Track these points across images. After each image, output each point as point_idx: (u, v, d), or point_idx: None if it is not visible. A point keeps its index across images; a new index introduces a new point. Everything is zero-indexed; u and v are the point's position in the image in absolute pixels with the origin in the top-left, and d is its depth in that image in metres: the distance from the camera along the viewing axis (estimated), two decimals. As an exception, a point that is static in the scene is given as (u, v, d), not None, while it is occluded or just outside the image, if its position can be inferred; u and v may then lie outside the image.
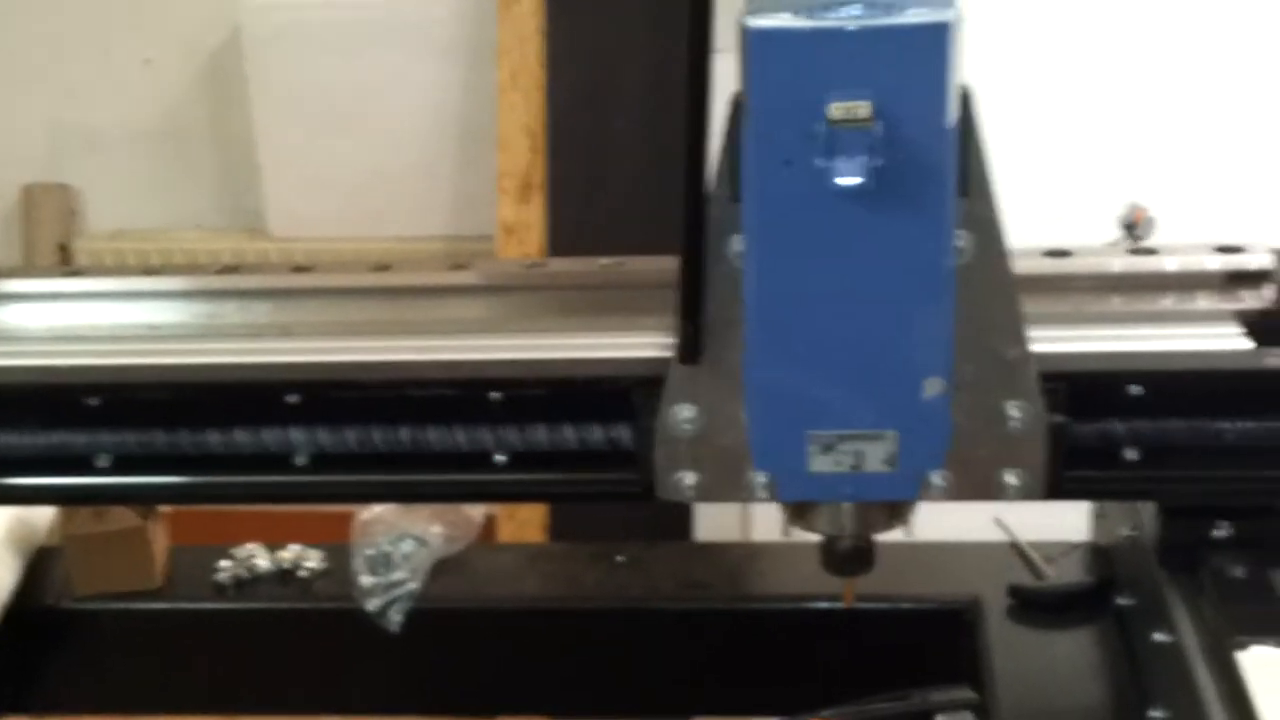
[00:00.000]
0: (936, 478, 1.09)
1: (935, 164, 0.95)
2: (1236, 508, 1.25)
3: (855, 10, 0.93)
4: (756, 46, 0.93)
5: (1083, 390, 1.12)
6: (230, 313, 1.33)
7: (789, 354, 1.02)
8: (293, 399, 1.20)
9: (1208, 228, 1.31)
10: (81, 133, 3.05)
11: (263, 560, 1.66)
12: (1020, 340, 1.07)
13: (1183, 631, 1.19)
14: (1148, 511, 1.33)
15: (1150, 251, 1.29)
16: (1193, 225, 1.31)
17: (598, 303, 1.27)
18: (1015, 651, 1.44)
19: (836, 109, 0.92)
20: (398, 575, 1.59)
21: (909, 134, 0.93)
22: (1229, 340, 1.21)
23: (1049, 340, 1.20)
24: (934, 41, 0.92)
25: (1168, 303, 1.26)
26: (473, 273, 1.33)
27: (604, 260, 1.30)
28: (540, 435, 1.18)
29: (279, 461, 1.21)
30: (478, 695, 1.62)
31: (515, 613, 1.61)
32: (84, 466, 1.23)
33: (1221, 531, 1.25)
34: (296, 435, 1.21)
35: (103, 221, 3.10)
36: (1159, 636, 1.23)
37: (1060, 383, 1.11)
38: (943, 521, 1.67)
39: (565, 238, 2.68)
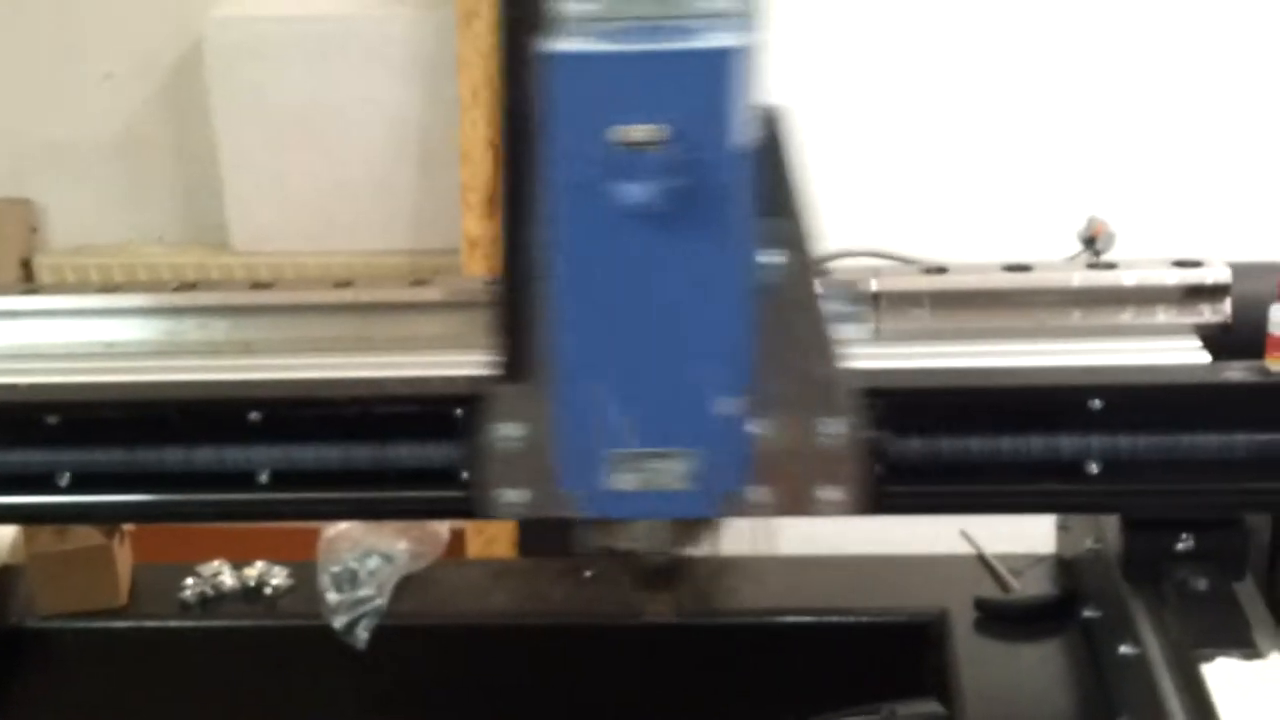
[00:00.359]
0: (756, 494, 1.10)
1: (727, 186, 0.96)
2: (1199, 521, 1.26)
3: (653, 33, 0.95)
4: (552, 69, 0.95)
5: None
6: (190, 330, 1.32)
7: (591, 372, 1.03)
8: (254, 416, 1.19)
9: (1167, 241, 1.32)
10: (42, 148, 3.03)
11: (228, 578, 1.65)
12: (832, 358, 1.08)
13: (1148, 644, 1.20)
14: (1110, 525, 1.33)
15: (1110, 266, 1.30)
16: (1152, 239, 1.32)
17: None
18: (982, 664, 1.44)
19: (626, 131, 0.93)
20: (364, 592, 1.58)
21: (700, 156, 0.94)
22: (1184, 354, 1.22)
23: (1007, 355, 1.22)
24: (722, 66, 0.94)
25: (1127, 317, 1.27)
26: (435, 289, 1.33)
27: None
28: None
29: (241, 479, 1.20)
30: (445, 712, 1.62)
31: (482, 629, 1.61)
32: (44, 485, 1.21)
33: (1184, 544, 1.26)
34: (258, 453, 1.20)
35: (65, 237, 3.08)
36: (1125, 649, 1.24)
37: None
38: (908, 534, 1.68)
39: (529, 251, 2.68)
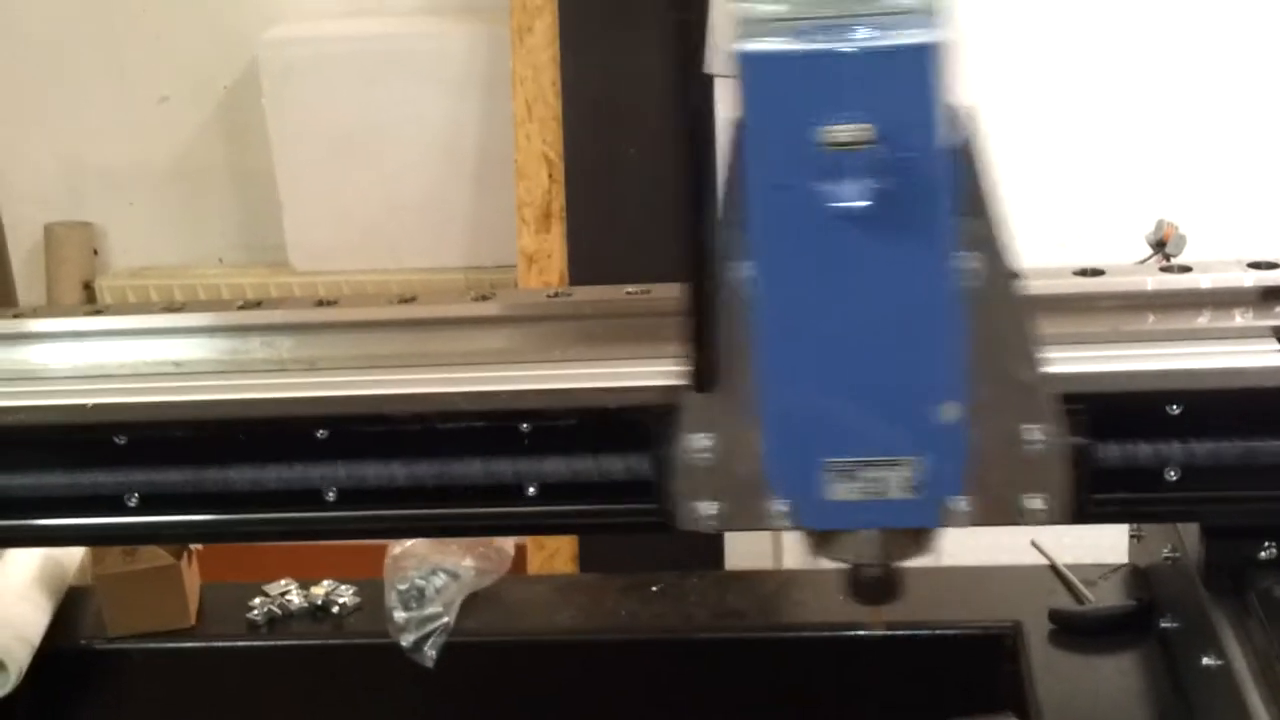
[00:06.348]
0: (959, 503, 1.07)
1: (933, 184, 0.94)
2: (1282, 528, 1.23)
3: (849, 31, 0.93)
4: (751, 70, 0.93)
5: (1106, 411, 1.10)
6: (255, 348, 1.32)
7: (802, 381, 1.01)
8: (321, 434, 1.19)
9: (1235, 243, 1.30)
10: (101, 171, 3.06)
11: (295, 597, 1.65)
12: (1035, 361, 1.05)
13: (1232, 655, 1.17)
14: (1190, 533, 1.31)
15: (1184, 269, 1.27)
16: (1220, 241, 1.29)
17: (625, 331, 1.26)
18: (1058, 676, 1.42)
19: (833, 131, 0.92)
20: (431, 609, 1.58)
21: (906, 155, 0.92)
22: (1267, 357, 1.19)
23: (1082, 360, 1.19)
24: (927, 61, 0.92)
25: (1203, 320, 1.24)
26: (496, 303, 1.32)
27: (629, 288, 1.30)
28: (563, 467, 1.16)
29: (309, 497, 1.20)
30: (514, 728, 1.61)
31: (550, 645, 1.60)
32: (113, 506, 1.21)
33: (1268, 552, 1.23)
34: (326, 470, 1.19)
35: (125, 259, 3.10)
36: (1207, 660, 1.21)
37: (1082, 404, 1.08)
38: (978, 544, 1.66)
39: (584, 265, 2.68)
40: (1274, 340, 1.21)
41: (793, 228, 0.95)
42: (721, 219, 0.99)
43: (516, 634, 1.60)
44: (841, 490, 1.03)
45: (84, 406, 1.24)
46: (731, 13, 0.94)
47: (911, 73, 0.92)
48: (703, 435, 1.08)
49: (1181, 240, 1.33)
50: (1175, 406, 1.11)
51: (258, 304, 1.35)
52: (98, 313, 1.39)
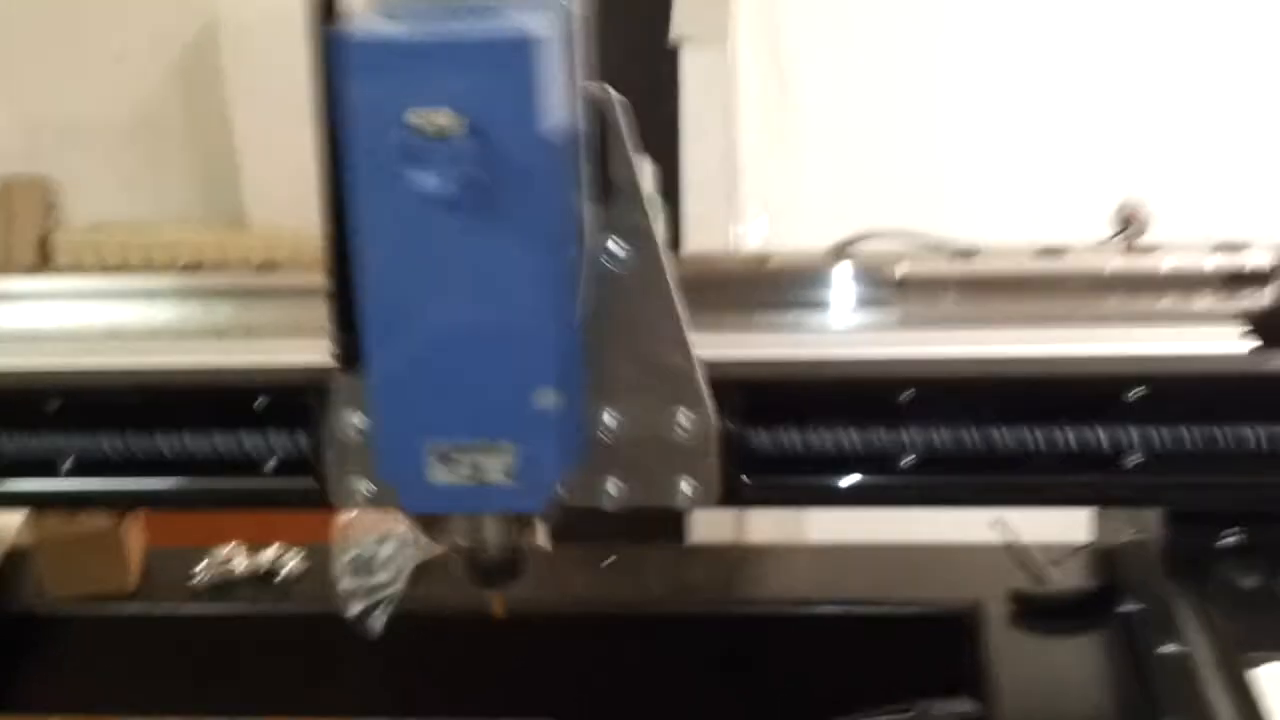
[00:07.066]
0: (610, 486, 1.10)
1: (531, 175, 0.93)
2: (1247, 514, 1.21)
3: (457, 18, 0.93)
4: (344, 54, 0.93)
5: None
6: (195, 313, 1.30)
7: (403, 363, 1.00)
8: (259, 402, 1.16)
9: (1204, 223, 1.28)
10: (59, 127, 3.03)
11: (241, 562, 1.63)
12: (684, 347, 1.06)
13: (1193, 643, 1.15)
14: (1153, 515, 1.29)
15: (1148, 250, 1.25)
16: (1188, 221, 1.27)
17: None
18: (1017, 659, 1.40)
19: (417, 117, 0.91)
20: (380, 578, 1.55)
21: (501, 145, 0.92)
22: (1226, 341, 1.17)
23: (1037, 341, 1.17)
24: (522, 54, 0.91)
25: (1166, 303, 1.22)
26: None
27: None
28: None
29: (246, 465, 1.17)
30: (461, 700, 1.58)
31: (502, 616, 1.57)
32: (47, 470, 1.19)
33: (1230, 539, 1.21)
34: (265, 438, 1.17)
35: (82, 215, 3.07)
36: (1168, 647, 1.19)
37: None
38: (940, 522, 1.64)
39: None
40: (1235, 324, 1.19)
41: (390, 212, 0.95)
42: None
43: (467, 604, 1.56)
44: (441, 474, 1.02)
45: (17, 370, 1.22)
46: None
47: (506, 63, 0.91)
48: (355, 413, 1.09)
49: (1147, 219, 1.31)
50: (1133, 391, 1.09)
51: (198, 267, 1.33)
52: (34, 275, 1.36)
